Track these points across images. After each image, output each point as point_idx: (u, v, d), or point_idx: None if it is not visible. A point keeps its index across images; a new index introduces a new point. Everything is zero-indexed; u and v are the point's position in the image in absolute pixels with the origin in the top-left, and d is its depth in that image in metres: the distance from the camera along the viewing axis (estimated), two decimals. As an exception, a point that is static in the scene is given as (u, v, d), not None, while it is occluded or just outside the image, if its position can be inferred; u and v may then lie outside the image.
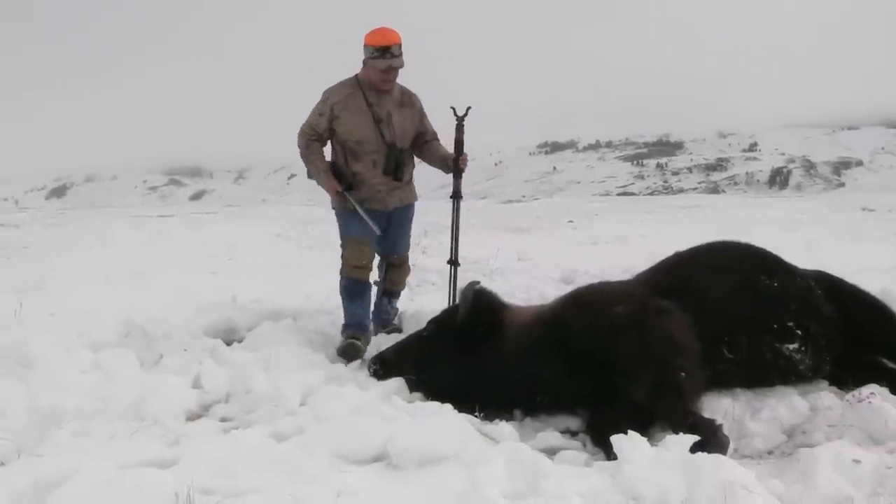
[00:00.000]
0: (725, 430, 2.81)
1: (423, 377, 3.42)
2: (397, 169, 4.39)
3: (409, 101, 4.51)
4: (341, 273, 4.40)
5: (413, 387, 3.37)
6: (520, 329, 3.45)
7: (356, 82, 4.37)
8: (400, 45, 4.23)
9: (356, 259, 4.34)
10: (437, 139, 4.65)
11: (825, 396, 3.18)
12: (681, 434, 2.56)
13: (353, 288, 4.37)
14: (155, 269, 7.63)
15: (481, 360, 3.35)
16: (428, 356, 3.51)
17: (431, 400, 3.22)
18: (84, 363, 3.41)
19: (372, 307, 4.59)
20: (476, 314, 3.46)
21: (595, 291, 3.61)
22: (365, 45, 4.24)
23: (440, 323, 3.67)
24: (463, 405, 3.13)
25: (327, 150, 4.49)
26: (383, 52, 4.18)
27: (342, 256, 4.41)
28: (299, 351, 3.89)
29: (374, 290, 4.58)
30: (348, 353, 4.07)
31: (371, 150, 4.36)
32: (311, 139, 4.40)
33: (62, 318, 4.54)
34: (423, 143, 4.60)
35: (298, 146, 4.44)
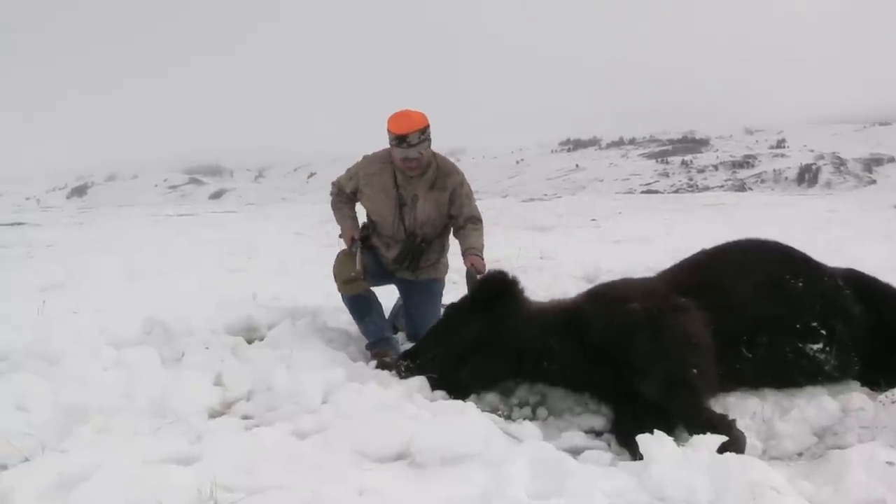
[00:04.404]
0: (752, 431, 2.78)
1: (445, 350, 3.49)
2: (412, 261, 4.23)
3: (441, 183, 4.21)
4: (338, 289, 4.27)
5: (435, 385, 3.39)
6: (538, 308, 3.56)
7: (389, 158, 4.17)
8: (421, 132, 3.96)
9: (343, 272, 4.16)
10: (474, 222, 4.22)
11: (857, 397, 3.14)
12: (708, 434, 2.54)
13: (355, 306, 4.22)
14: (176, 268, 7.71)
15: (494, 321, 3.45)
16: (446, 329, 3.61)
17: (451, 377, 3.37)
18: (107, 360, 3.44)
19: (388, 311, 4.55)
20: (488, 282, 3.62)
21: (613, 287, 3.63)
22: (387, 129, 4.01)
23: (455, 303, 3.76)
24: (479, 374, 3.35)
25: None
26: (399, 141, 3.95)
27: (333, 270, 4.27)
28: (320, 349, 3.90)
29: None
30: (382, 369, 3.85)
31: (388, 233, 4.27)
32: (340, 192, 4.41)
33: (85, 315, 4.60)
34: (457, 228, 4.26)
35: (330, 194, 4.49)
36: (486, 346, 3.42)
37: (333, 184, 4.46)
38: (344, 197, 4.41)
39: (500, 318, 3.46)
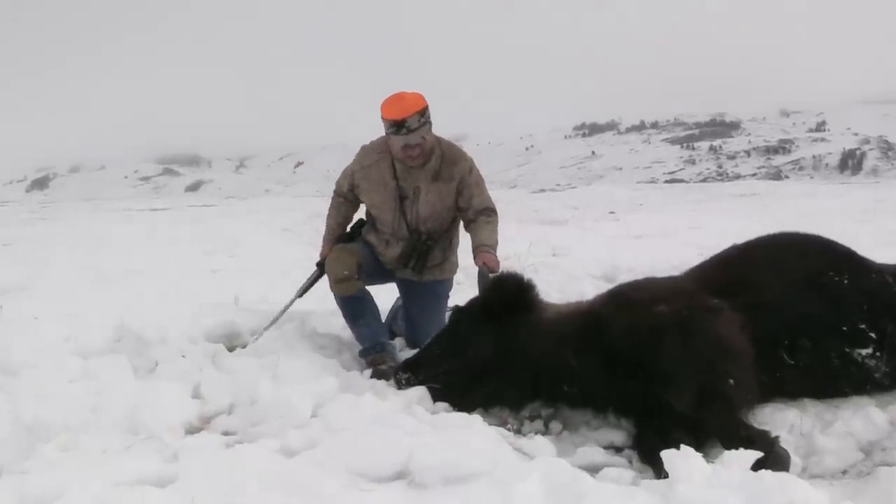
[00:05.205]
0: (791, 446, 2.78)
1: (450, 363, 3.49)
2: (417, 261, 4.21)
3: (447, 172, 4.17)
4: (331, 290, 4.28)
5: (438, 396, 3.39)
6: (554, 315, 3.53)
7: (388, 146, 4.15)
8: (420, 115, 3.92)
9: (336, 270, 4.16)
10: (487, 214, 4.21)
11: (908, 409, 3.14)
12: (741, 449, 2.54)
13: (348, 307, 4.22)
14: (149, 268, 7.73)
15: (509, 336, 3.43)
16: (452, 340, 3.58)
17: (457, 394, 3.35)
18: (72, 371, 3.45)
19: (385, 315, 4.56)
20: (502, 286, 3.59)
21: (637, 288, 3.61)
22: (381, 117, 3.99)
23: (463, 307, 3.76)
24: (490, 390, 3.36)
25: None
26: (397, 128, 3.92)
27: (325, 267, 4.30)
28: (310, 357, 3.90)
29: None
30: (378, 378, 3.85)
31: (388, 230, 4.27)
32: (337, 194, 4.50)
33: (47, 321, 4.59)
34: (467, 222, 4.26)
35: (332, 196, 4.58)
36: (500, 368, 3.41)
37: (336, 184, 4.53)
38: (340, 199, 4.49)
39: (515, 333, 3.45)
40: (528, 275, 3.72)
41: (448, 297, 4.55)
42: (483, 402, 3.40)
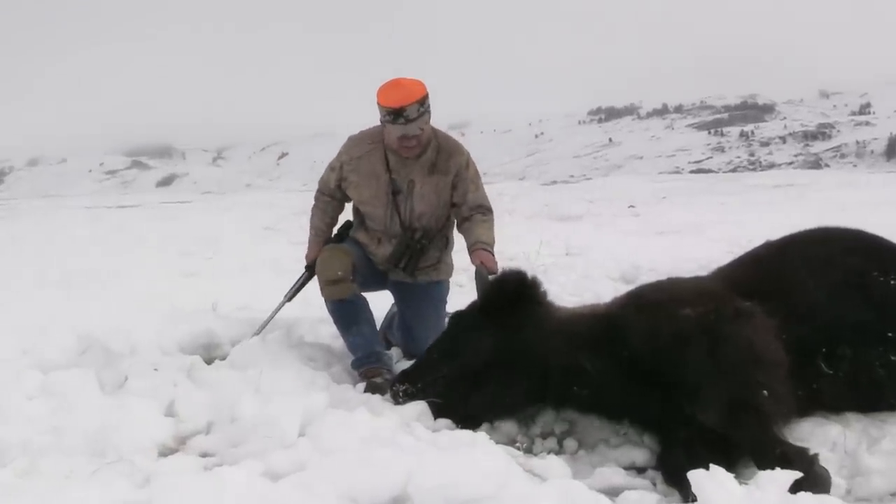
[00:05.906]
0: (833, 466, 2.77)
1: (449, 366, 3.52)
2: (409, 261, 4.24)
3: (443, 165, 4.24)
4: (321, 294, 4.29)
5: (439, 412, 3.40)
6: (565, 315, 3.57)
7: (380, 137, 4.21)
8: (420, 104, 3.98)
9: (328, 271, 4.17)
10: (483, 212, 4.26)
11: (962, 423, 3.13)
12: (777, 469, 2.54)
13: (340, 312, 4.22)
14: (117, 272, 7.73)
15: (512, 333, 3.47)
16: (452, 345, 3.62)
17: (459, 403, 3.38)
18: (31, 387, 3.45)
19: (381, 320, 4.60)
20: (502, 283, 3.63)
21: (659, 290, 3.63)
22: (377, 104, 4.04)
23: (462, 311, 3.79)
24: (494, 402, 3.40)
25: None
26: (395, 116, 3.96)
27: (316, 267, 4.31)
28: (297, 369, 3.91)
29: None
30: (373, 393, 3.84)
31: (379, 227, 4.31)
32: (322, 193, 4.52)
33: (4, 332, 4.60)
34: (461, 219, 4.28)
35: (314, 196, 4.59)
36: (503, 367, 3.43)
37: (319, 182, 4.55)
38: (326, 198, 4.50)
39: (519, 331, 3.47)
40: (534, 273, 3.73)
41: (446, 301, 4.56)
42: (486, 407, 3.43)
